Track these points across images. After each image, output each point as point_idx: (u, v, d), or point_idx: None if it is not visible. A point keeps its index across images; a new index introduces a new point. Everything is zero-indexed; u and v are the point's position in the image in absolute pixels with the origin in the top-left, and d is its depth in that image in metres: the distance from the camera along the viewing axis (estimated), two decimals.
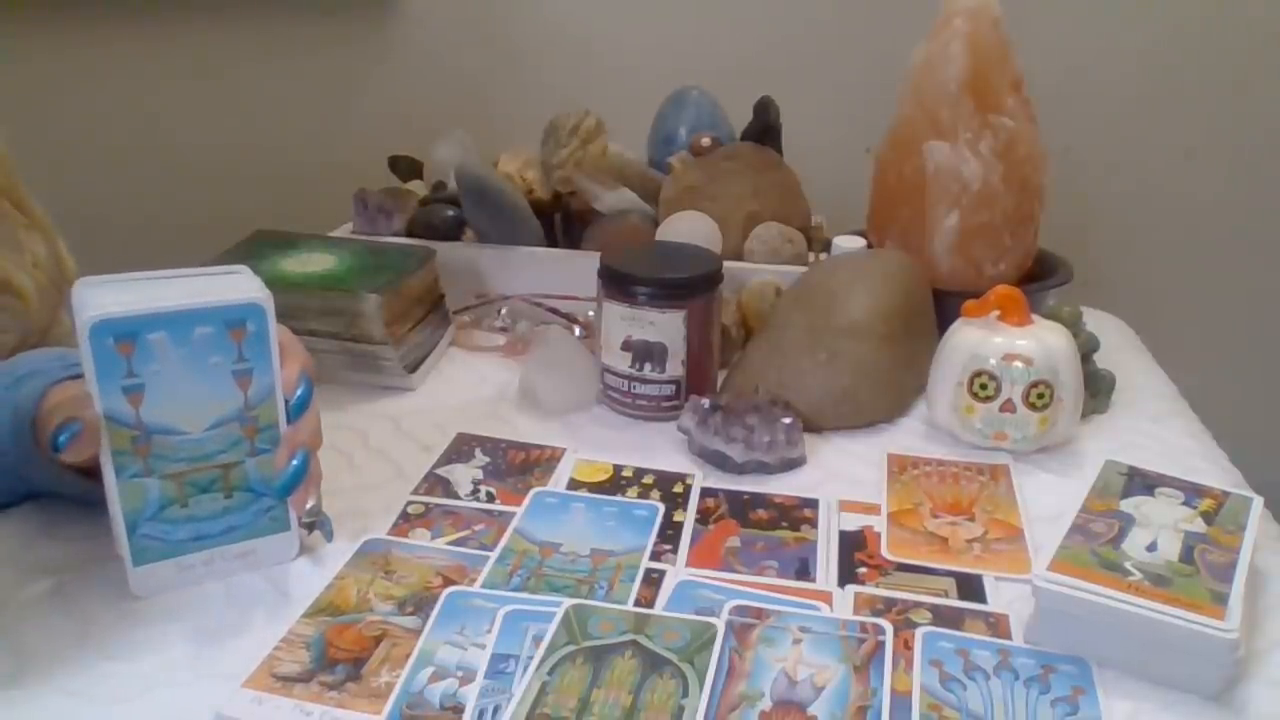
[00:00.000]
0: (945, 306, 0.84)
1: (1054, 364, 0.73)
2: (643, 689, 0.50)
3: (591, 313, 0.89)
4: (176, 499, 0.56)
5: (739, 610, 0.56)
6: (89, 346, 0.52)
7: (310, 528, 0.61)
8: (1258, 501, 0.62)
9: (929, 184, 0.90)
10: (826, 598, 0.59)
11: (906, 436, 0.79)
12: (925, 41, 0.90)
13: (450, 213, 1.01)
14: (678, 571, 0.61)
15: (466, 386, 0.86)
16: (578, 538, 0.64)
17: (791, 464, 0.73)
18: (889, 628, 0.55)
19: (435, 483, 0.70)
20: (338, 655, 0.53)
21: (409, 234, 1.02)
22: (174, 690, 0.50)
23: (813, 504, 0.69)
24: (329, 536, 0.61)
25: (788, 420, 0.73)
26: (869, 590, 0.60)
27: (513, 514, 0.66)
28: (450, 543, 0.63)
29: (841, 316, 0.81)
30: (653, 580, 0.60)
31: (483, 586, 0.59)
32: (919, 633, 0.55)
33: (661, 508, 0.67)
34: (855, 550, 0.64)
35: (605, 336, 0.80)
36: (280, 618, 0.55)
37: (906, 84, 0.92)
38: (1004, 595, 0.60)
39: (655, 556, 0.62)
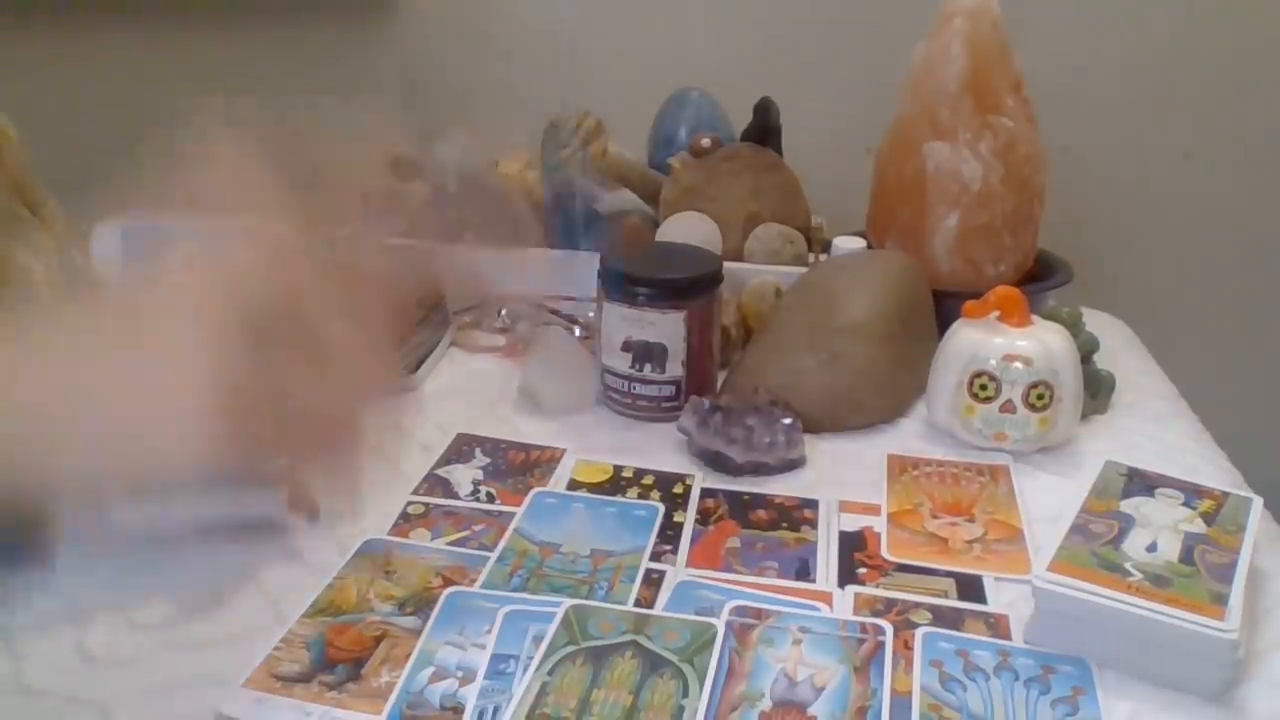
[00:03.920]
0: (945, 307, 0.84)
1: (1054, 364, 0.73)
2: (643, 689, 0.50)
3: (591, 313, 0.89)
4: None
5: (739, 610, 0.56)
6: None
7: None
8: (1258, 502, 0.62)
9: (929, 185, 0.90)
10: (826, 598, 0.59)
11: (906, 437, 0.79)
12: (925, 41, 0.90)
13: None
14: (678, 572, 0.61)
15: (466, 386, 0.86)
16: (578, 538, 0.64)
17: (791, 464, 0.73)
18: (889, 628, 0.55)
19: (435, 483, 0.70)
20: (338, 655, 0.53)
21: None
22: (174, 690, 0.50)
23: (813, 505, 0.69)
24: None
25: (788, 421, 0.73)
26: (869, 591, 0.60)
27: (513, 514, 0.66)
28: (450, 543, 0.63)
29: (841, 317, 0.81)
30: (653, 581, 0.60)
31: (483, 587, 0.59)
32: (919, 633, 0.55)
33: (661, 508, 0.67)
34: (855, 551, 0.64)
35: (605, 337, 0.80)
36: (280, 618, 0.55)
37: (906, 84, 0.92)
38: (1004, 596, 0.60)
39: (655, 557, 0.62)
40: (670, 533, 0.65)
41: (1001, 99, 0.89)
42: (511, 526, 0.65)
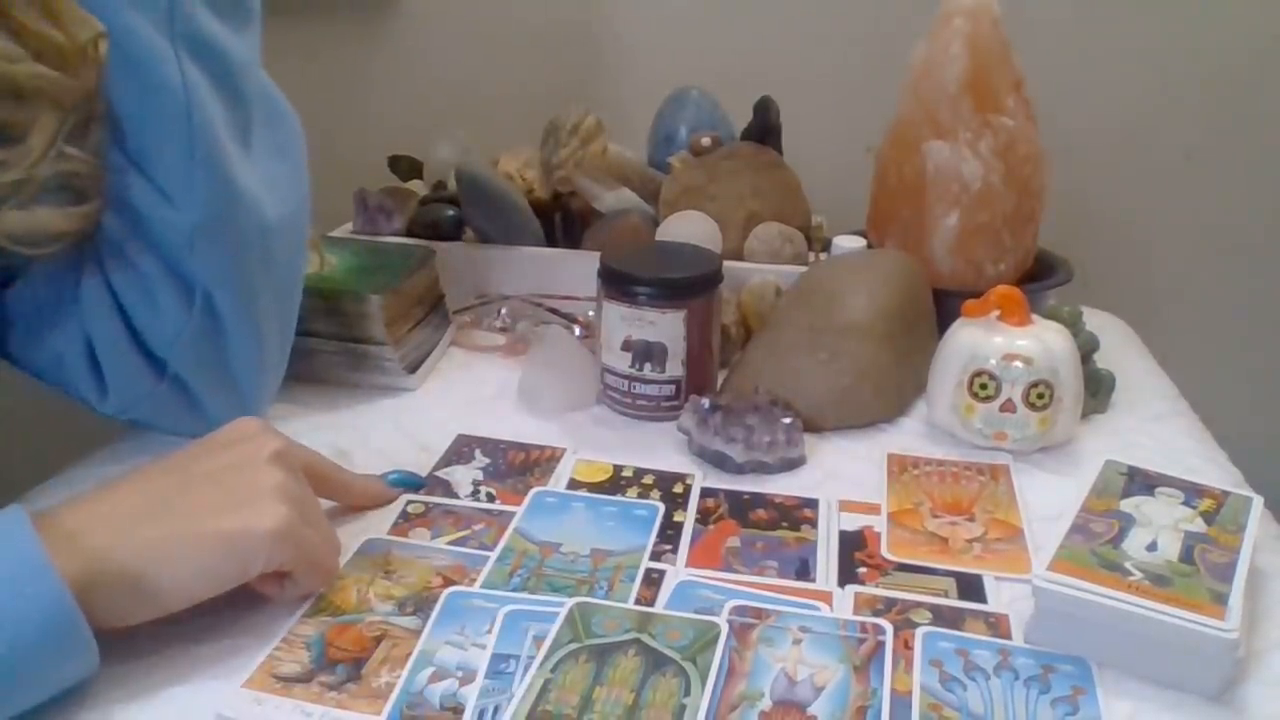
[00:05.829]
0: (945, 306, 0.84)
1: (1054, 364, 0.73)
2: (645, 687, 0.50)
3: (591, 313, 0.89)
4: None
5: (739, 610, 0.56)
6: None
7: None
8: (1258, 501, 0.62)
9: (929, 184, 0.90)
10: (826, 598, 0.59)
11: (906, 436, 0.79)
12: (925, 41, 0.90)
13: (450, 212, 1.01)
14: (678, 571, 0.61)
15: (466, 386, 0.86)
16: (578, 538, 0.64)
17: (791, 464, 0.73)
18: (889, 628, 0.55)
19: (435, 484, 0.70)
20: (338, 655, 0.53)
21: (409, 234, 1.02)
22: (174, 690, 0.51)
23: (813, 504, 0.69)
24: None
25: (788, 420, 0.73)
26: (869, 590, 0.60)
27: (513, 514, 0.66)
28: (450, 542, 0.63)
29: (841, 316, 0.81)
30: (653, 580, 0.60)
31: (483, 586, 0.59)
32: (919, 633, 0.55)
33: (661, 508, 0.67)
34: (855, 550, 0.64)
35: (605, 336, 0.80)
36: (280, 618, 0.55)
37: (906, 84, 0.92)
38: (1004, 595, 0.60)
39: (655, 556, 0.62)
40: (670, 532, 0.65)
41: (1001, 99, 0.89)
42: (511, 526, 0.65)
